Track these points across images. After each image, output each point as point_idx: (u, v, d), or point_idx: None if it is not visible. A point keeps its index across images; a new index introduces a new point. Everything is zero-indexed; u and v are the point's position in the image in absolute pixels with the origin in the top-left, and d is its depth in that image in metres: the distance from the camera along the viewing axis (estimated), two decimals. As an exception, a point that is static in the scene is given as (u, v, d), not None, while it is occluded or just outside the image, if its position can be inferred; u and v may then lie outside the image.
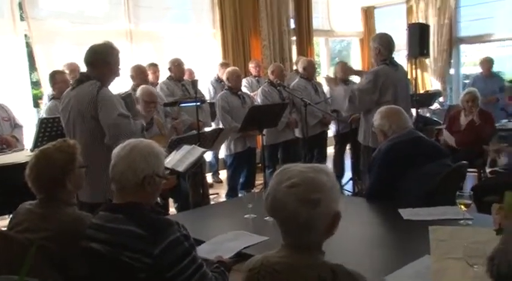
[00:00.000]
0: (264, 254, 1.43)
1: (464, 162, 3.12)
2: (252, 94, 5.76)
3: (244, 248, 2.10)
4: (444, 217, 2.37)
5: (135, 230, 1.63)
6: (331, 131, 5.99)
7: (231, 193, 5.05)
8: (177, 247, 1.61)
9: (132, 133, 2.86)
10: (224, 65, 6.33)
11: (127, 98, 3.53)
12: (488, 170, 4.28)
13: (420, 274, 1.76)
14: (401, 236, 2.29)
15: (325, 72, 8.86)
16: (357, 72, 5.18)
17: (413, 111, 6.62)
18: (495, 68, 6.95)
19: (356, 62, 9.83)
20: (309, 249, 1.36)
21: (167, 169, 3.21)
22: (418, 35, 7.99)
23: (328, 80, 4.97)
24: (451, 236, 2.09)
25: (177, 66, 5.28)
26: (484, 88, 6.11)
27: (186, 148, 3.50)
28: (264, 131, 5.11)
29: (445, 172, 2.86)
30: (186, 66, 5.73)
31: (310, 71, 5.64)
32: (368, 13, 9.77)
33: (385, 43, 4.22)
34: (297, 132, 5.54)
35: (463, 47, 9.19)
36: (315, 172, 1.38)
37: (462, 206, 2.28)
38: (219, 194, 5.59)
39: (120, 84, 4.61)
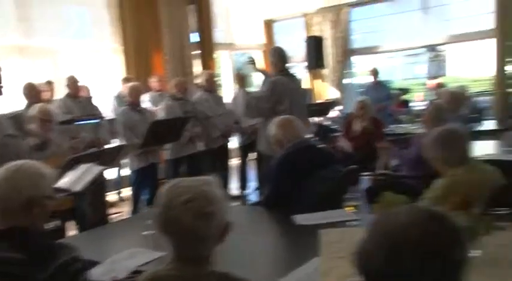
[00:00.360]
0: (153, 269, 1.44)
1: (355, 166, 3.33)
2: (155, 109, 5.70)
3: (141, 265, 2.07)
4: (334, 220, 2.52)
5: (19, 257, 1.55)
6: (235, 142, 6.09)
7: (135, 210, 4.94)
8: (67, 269, 1.56)
9: (21, 153, 2.73)
10: (126, 80, 6.20)
11: (17, 118, 3.38)
12: (379, 172, 4.57)
13: (309, 276, 1.86)
14: (293, 242, 2.38)
15: (228, 85, 8.97)
16: (260, 70, 5.24)
17: (315, 120, 6.97)
18: (385, 78, 7.48)
19: (259, 73, 10.02)
20: (198, 260, 1.38)
21: (63, 190, 3.11)
22: (314, 47, 8.42)
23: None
24: (340, 238, 2.23)
25: (72, 83, 5.11)
26: (375, 96, 6.55)
27: (83, 167, 3.39)
28: (168, 146, 5.09)
29: (336, 177, 3.03)
30: (86, 83, 5.55)
31: (211, 83, 5.70)
32: (269, 26, 10.06)
33: (279, 56, 4.44)
34: (200, 146, 5.56)
35: (356, 58, 9.75)
36: (207, 185, 1.41)
37: (349, 208, 2.45)
38: (123, 212, 5.44)
39: (15, 103, 4.41)
